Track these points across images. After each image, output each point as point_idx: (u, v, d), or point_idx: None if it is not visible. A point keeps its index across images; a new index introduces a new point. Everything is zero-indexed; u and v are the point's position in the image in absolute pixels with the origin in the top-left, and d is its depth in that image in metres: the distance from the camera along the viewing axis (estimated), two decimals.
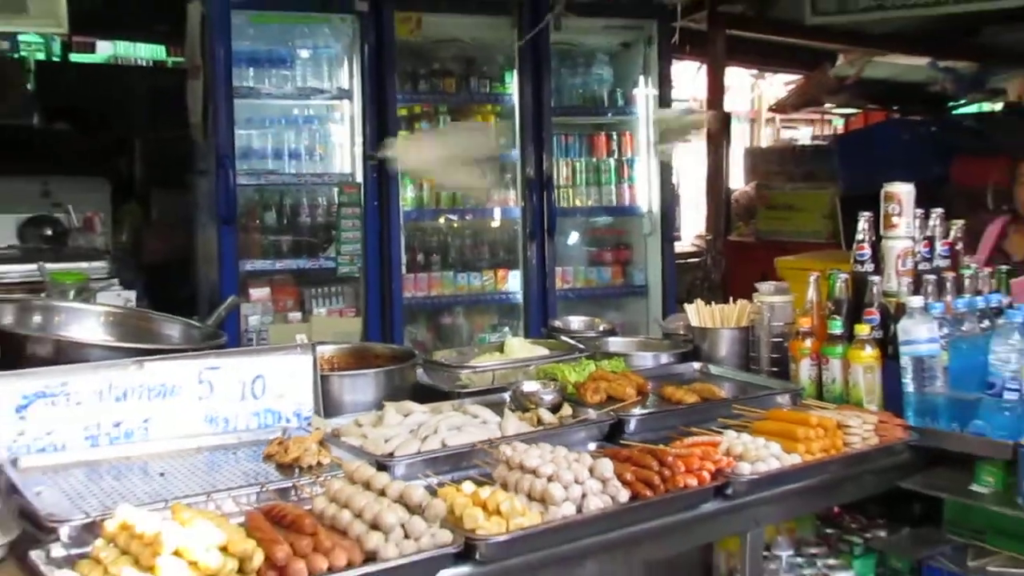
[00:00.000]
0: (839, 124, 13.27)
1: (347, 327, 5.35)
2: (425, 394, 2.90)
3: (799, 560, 2.74)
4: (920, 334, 2.78)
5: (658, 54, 6.03)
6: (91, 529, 1.91)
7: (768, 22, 7.58)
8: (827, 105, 11.24)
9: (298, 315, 5.45)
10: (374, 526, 1.90)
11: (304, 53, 5.47)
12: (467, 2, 5.53)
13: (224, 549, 1.76)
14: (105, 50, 9.06)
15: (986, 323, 2.91)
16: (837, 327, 2.96)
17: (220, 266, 5.14)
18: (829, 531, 2.95)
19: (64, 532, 1.91)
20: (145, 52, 9.10)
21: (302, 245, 5.53)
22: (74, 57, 8.30)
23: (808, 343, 3.03)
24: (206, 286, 5.49)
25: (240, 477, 2.26)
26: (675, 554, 2.53)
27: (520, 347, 3.29)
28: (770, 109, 12.22)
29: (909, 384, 2.78)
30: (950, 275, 3.04)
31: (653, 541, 2.26)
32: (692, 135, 5.16)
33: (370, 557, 1.86)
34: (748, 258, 7.24)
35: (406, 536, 1.90)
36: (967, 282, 3.05)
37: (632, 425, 2.65)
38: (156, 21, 6.69)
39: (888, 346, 2.90)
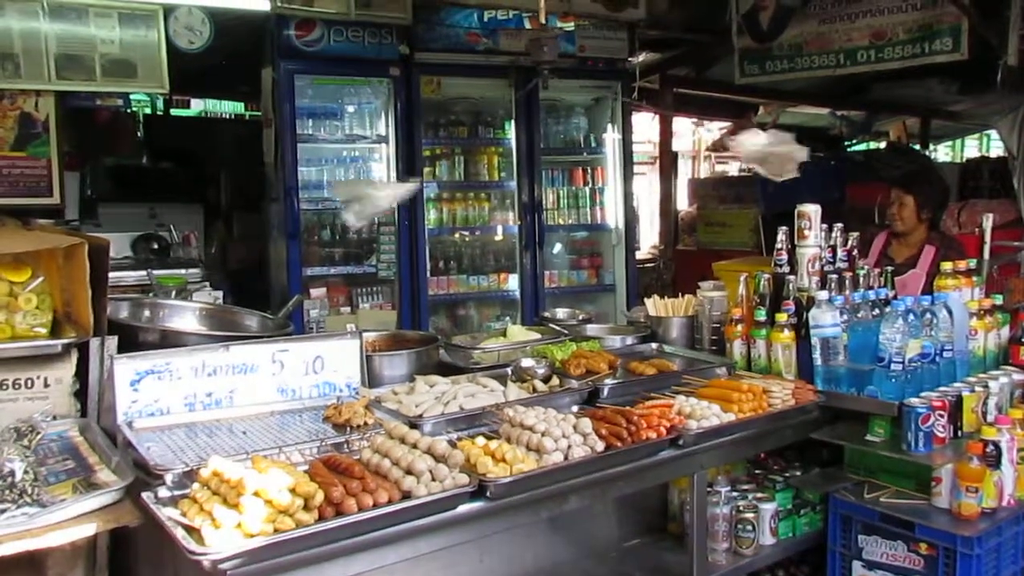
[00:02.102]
0: None
1: (386, 318, 5.33)
2: (446, 369, 2.89)
3: (734, 494, 2.73)
4: (826, 320, 2.77)
5: (622, 107, 6.01)
6: (189, 476, 1.90)
7: (706, 81, 7.56)
8: None
9: (348, 309, 5.43)
10: (408, 471, 1.89)
11: (351, 108, 5.44)
12: (476, 68, 5.51)
13: (293, 490, 1.75)
14: (198, 106, 9.04)
15: (876, 311, 2.90)
16: (762, 315, 2.95)
17: (287, 271, 5.12)
18: (757, 472, 2.94)
19: (168, 478, 1.90)
20: (229, 107, 9.08)
21: (351, 255, 5.50)
22: (174, 111, 8.27)
23: (740, 328, 3.03)
24: (277, 287, 5.47)
25: (304, 434, 2.25)
26: (639, 491, 2.52)
27: (519, 332, 3.28)
28: (708, 148, 12.19)
29: (818, 359, 2.78)
30: (848, 275, 3.03)
31: (623, 481, 2.25)
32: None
33: (406, 495, 1.85)
34: (692, 263, 7.22)
35: (433, 479, 1.89)
36: (861, 280, 3.04)
37: (605, 392, 2.64)
38: (238, 83, 6.66)
39: (802, 329, 2.89)
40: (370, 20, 4.99)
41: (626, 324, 3.82)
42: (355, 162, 5.54)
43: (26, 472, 1.85)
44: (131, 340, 2.53)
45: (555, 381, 2.70)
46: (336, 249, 5.47)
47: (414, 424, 2.25)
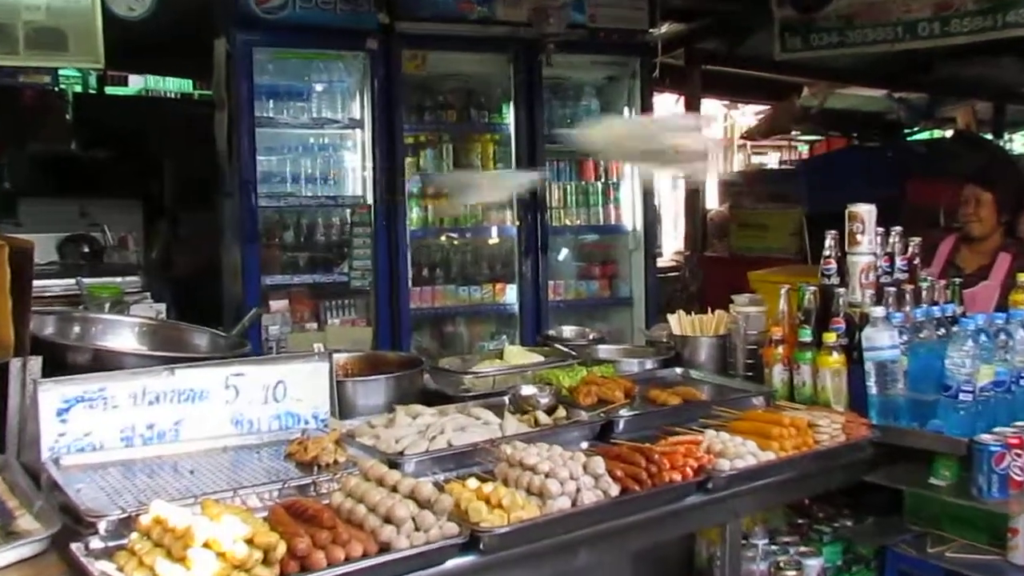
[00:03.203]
0: (804, 150, 13.31)
1: (359, 336, 5.33)
2: (432, 398, 2.89)
3: (773, 548, 2.73)
4: (882, 341, 2.78)
5: (641, 87, 6.03)
6: (127, 523, 1.90)
7: (739, 58, 7.60)
8: (793, 133, 11.29)
9: (314, 325, 5.43)
10: (387, 519, 1.89)
11: (319, 87, 5.47)
12: (468, 41, 5.53)
13: (250, 541, 1.75)
14: (137, 84, 9.06)
15: (942, 331, 2.91)
16: (807, 335, 2.96)
17: (243, 280, 5.12)
18: (801, 521, 2.94)
19: (102, 526, 1.90)
20: (174, 85, 9.10)
21: (318, 261, 5.51)
22: (109, 90, 8.29)
23: (780, 349, 3.03)
24: (230, 299, 5.47)
25: (263, 475, 2.25)
26: (661, 543, 2.52)
27: (517, 354, 3.29)
28: (741, 137, 12.24)
29: (873, 386, 2.78)
30: (909, 287, 3.04)
31: (641, 532, 2.25)
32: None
33: (384, 548, 1.85)
34: (723, 272, 7.22)
35: (416, 528, 1.89)
36: (924, 293, 3.05)
37: (621, 425, 2.64)
38: (185, 57, 6.68)
39: (853, 352, 2.89)
40: None
41: (645, 345, 3.82)
42: (324, 150, 5.56)
43: None
44: (58, 361, 2.52)
45: (561, 412, 2.70)
46: (301, 254, 5.48)
47: (394, 463, 2.25)
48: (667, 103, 9.32)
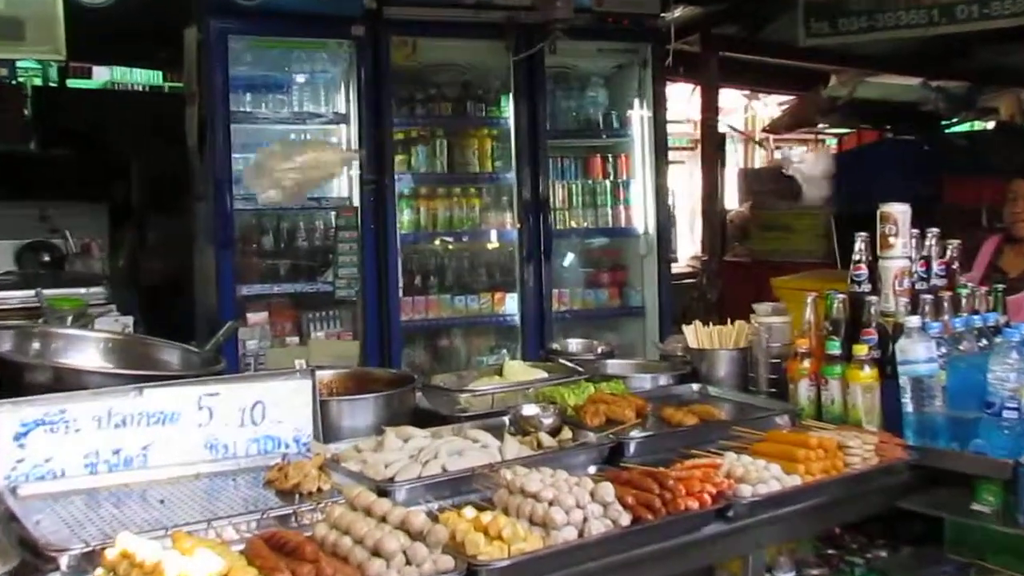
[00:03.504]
0: (832, 144, 13.30)
1: (345, 351, 5.33)
2: (424, 418, 2.89)
3: None
4: (918, 353, 2.78)
5: (652, 76, 6.06)
6: (91, 558, 1.90)
7: (761, 44, 7.63)
8: (820, 125, 11.30)
9: (296, 339, 5.44)
10: (376, 553, 1.89)
11: (300, 78, 5.49)
12: (462, 27, 5.55)
13: None
14: (102, 76, 9.09)
15: (984, 342, 2.91)
16: (835, 347, 2.96)
17: (218, 290, 5.13)
18: (831, 552, 2.93)
19: (64, 561, 1.90)
20: (141, 78, 9.13)
21: (299, 269, 5.52)
22: (72, 83, 8.32)
23: (806, 364, 3.03)
24: (204, 311, 5.48)
25: (240, 504, 2.25)
26: None
27: (519, 370, 3.29)
28: (763, 130, 12.25)
29: (908, 404, 2.78)
30: (947, 294, 3.05)
31: (655, 565, 2.24)
32: None
33: None
34: (744, 278, 7.26)
35: (408, 562, 1.89)
36: (964, 301, 3.05)
37: (632, 448, 2.64)
38: (154, 47, 6.70)
39: (886, 366, 2.89)
40: None
41: (659, 359, 3.83)
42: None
43: None
44: (15, 380, 2.53)
45: (566, 434, 2.70)
46: (281, 261, 5.49)
47: (383, 491, 2.25)
48: (682, 93, 9.36)
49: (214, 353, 3.18)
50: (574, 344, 3.92)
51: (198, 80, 5.26)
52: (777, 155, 13.15)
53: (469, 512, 2.12)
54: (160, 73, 8.65)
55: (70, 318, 3.83)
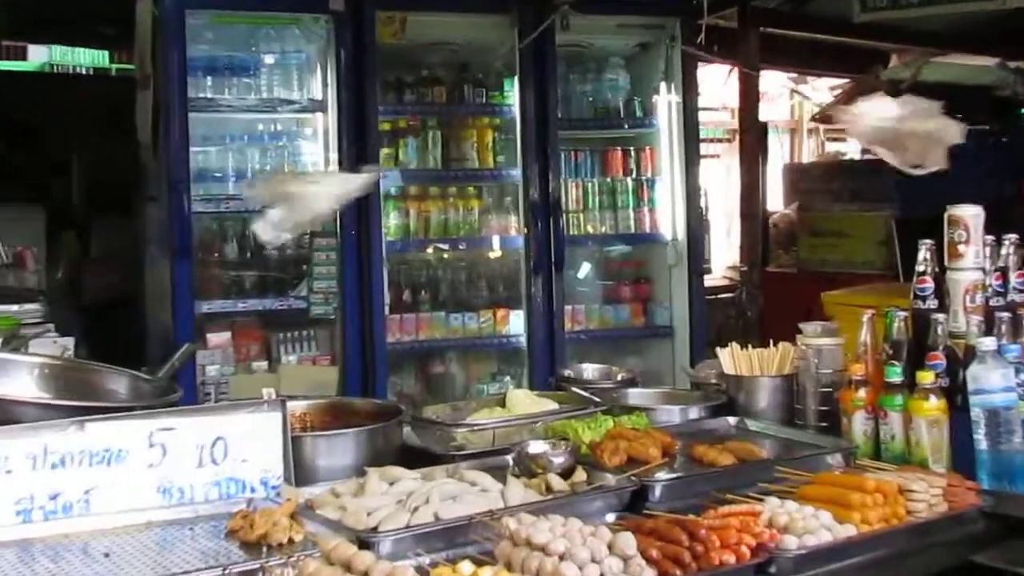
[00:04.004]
0: None
1: (321, 378, 5.34)
2: (414, 457, 2.89)
3: None
4: (994, 382, 2.78)
5: (682, 56, 6.08)
6: None
7: (809, 19, 7.65)
8: None
9: (264, 364, 5.45)
10: None
11: (270, 59, 5.52)
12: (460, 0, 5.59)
13: None
14: (38, 56, 9.14)
15: None
16: (896, 374, 2.95)
17: (173, 307, 5.15)
18: None
19: None
20: (85, 59, 9.19)
21: (268, 282, 5.55)
22: (2, 65, 8.36)
23: (862, 393, 3.03)
24: (156, 331, 5.49)
25: (198, 558, 2.25)
26: None
27: (524, 400, 3.29)
28: (813, 119, 12.27)
29: (982, 440, 2.78)
30: None
31: None
32: None
33: None
34: (790, 293, 7.22)
35: None
36: None
37: (657, 492, 2.64)
38: (99, 23, 6.74)
39: (956, 396, 2.89)
40: None
41: (689, 388, 3.83)
42: (276, 139, 5.61)
43: None
44: None
45: (580, 475, 2.70)
46: (247, 273, 5.52)
47: (365, 542, 2.26)
48: (716, 77, 9.39)
49: (168, 381, 3.19)
50: (590, 370, 3.93)
51: (151, 61, 5.29)
52: (829, 148, 13.18)
53: (466, 567, 2.12)
54: (106, 53, 8.72)
55: (0, 339, 3.84)
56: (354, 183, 3.69)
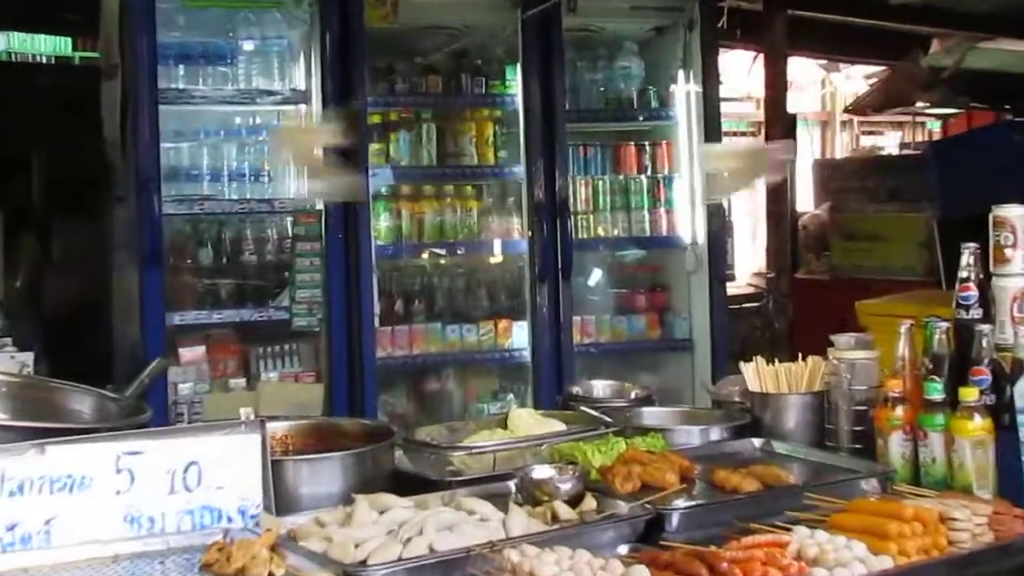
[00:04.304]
0: (935, 128, 13.33)
1: (305, 396, 5.35)
2: (406, 484, 2.89)
3: None
4: None
5: (702, 41, 6.09)
6: None
7: (842, 0, 7.65)
8: (919, 104, 11.31)
9: (242, 381, 5.46)
10: None
11: (248, 46, 5.53)
12: None
13: None
14: None
15: None
16: (937, 391, 2.95)
17: (142, 319, 5.15)
18: None
19: None
20: (46, 46, 9.20)
21: (246, 291, 5.55)
22: None
23: (900, 412, 3.03)
24: (124, 345, 5.49)
25: None
26: None
27: (528, 421, 3.29)
28: (846, 110, 12.29)
29: None
30: None
31: None
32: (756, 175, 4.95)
33: None
34: (820, 302, 7.23)
35: None
36: None
37: (675, 521, 2.64)
38: (62, 9, 6.76)
39: (1003, 414, 2.89)
40: None
41: (710, 407, 3.83)
42: (255, 134, 5.63)
43: None
44: None
45: (590, 503, 2.70)
46: (223, 281, 5.53)
47: None
48: (740, 64, 9.40)
49: (136, 400, 3.20)
50: (601, 387, 3.93)
51: (119, 49, 5.30)
52: (864, 142, 13.20)
53: None
54: (69, 40, 8.73)
55: None
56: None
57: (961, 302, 3.09)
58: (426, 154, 5.85)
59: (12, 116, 6.87)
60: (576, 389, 3.96)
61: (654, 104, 6.25)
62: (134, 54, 5.13)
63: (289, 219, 5.53)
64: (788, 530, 2.56)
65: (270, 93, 5.51)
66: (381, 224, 5.68)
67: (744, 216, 10.59)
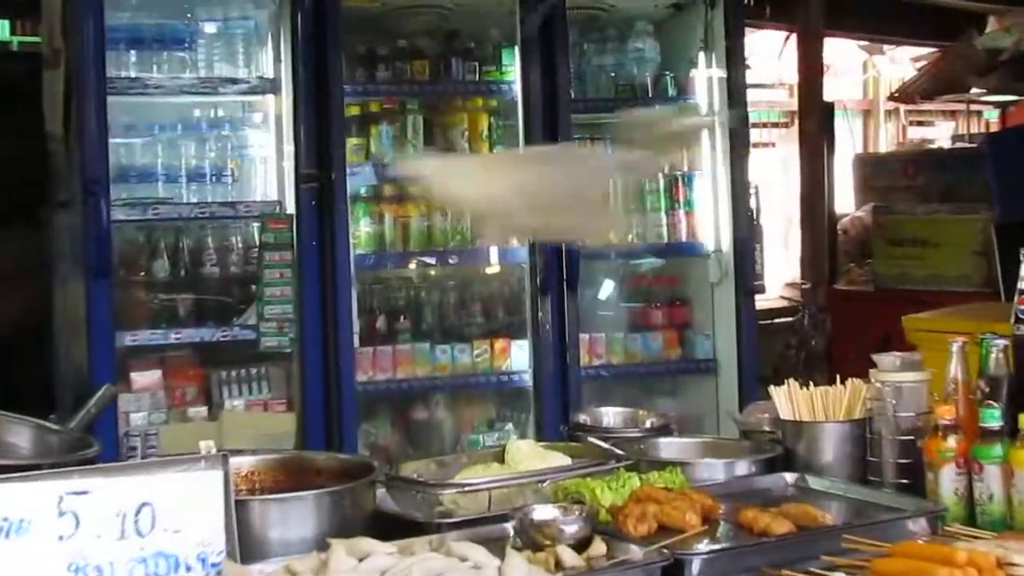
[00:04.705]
0: (992, 118, 13.34)
1: (274, 427, 5.35)
2: (389, 526, 2.90)
3: None
4: None
5: (726, 21, 6.10)
6: None
7: None
8: (974, 91, 11.33)
9: (203, 410, 5.45)
10: None
11: (210, 28, 5.55)
12: None
13: None
14: None
15: None
16: (994, 418, 2.96)
17: (89, 339, 5.14)
18: None
19: None
20: None
21: (208, 307, 5.56)
22: None
23: (952, 442, 3.03)
24: (68, 369, 5.49)
25: None
26: None
27: (529, 454, 3.29)
28: (891, 98, 12.29)
29: None
30: None
31: None
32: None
33: None
34: (863, 316, 7.25)
35: None
36: None
37: (696, 567, 2.64)
38: None
39: None
40: None
41: (737, 437, 3.84)
42: (217, 128, 5.63)
43: None
44: None
45: (599, 548, 2.70)
46: (181, 296, 5.53)
47: None
48: (769, 45, 9.41)
49: (82, 432, 3.20)
50: (611, 415, 3.93)
51: (62, 33, 5.31)
52: (912, 135, 13.20)
53: None
54: (6, 23, 8.73)
55: None
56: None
57: (1020, 316, 3.10)
58: (412, 150, 5.84)
59: None
60: (583, 418, 3.96)
61: (671, 92, 6.26)
62: (79, 38, 5.13)
63: (256, 225, 5.53)
64: None
65: (234, 81, 5.53)
66: (361, 230, 5.69)
67: (775, 219, 10.59)
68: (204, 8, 5.54)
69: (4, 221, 6.62)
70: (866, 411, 3.36)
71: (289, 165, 5.49)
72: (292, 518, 2.81)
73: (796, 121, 8.85)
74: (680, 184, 6.23)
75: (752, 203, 6.33)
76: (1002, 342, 3.06)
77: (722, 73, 6.14)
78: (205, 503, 2.64)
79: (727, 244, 6.15)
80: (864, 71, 12.66)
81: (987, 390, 3.02)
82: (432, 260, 5.96)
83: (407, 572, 2.50)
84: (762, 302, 7.05)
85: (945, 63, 9.96)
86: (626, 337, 6.17)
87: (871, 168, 9.99)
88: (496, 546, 2.69)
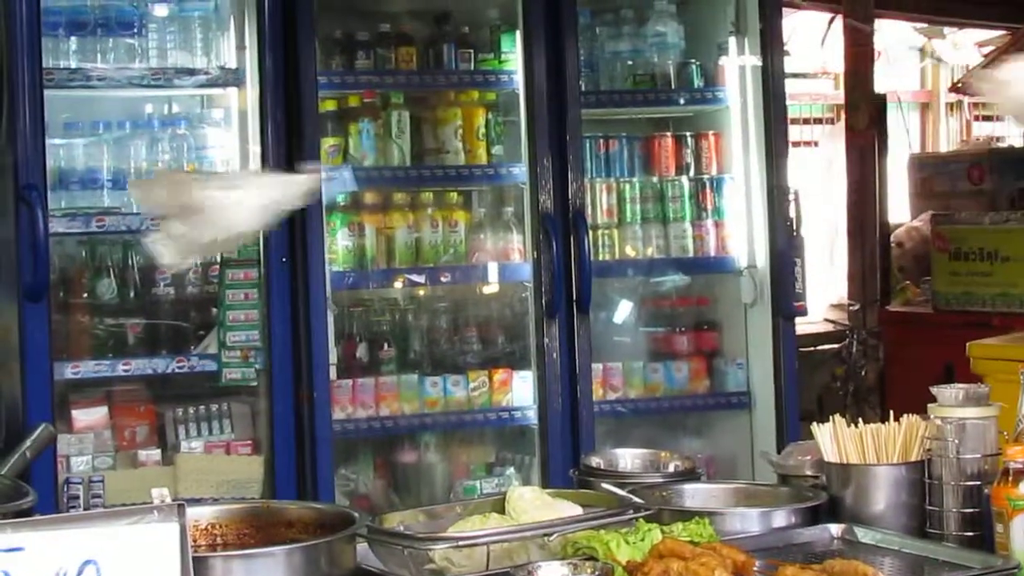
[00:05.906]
0: None
1: (239, 472, 5.35)
2: None
3: None
4: None
5: (760, 3, 6.13)
6: None
7: None
8: None
9: (156, 453, 5.44)
10: None
11: (162, 11, 5.57)
12: None
13: None
14: None
15: None
16: None
17: (23, 372, 5.15)
18: None
19: None
20: None
21: (161, 334, 5.56)
22: None
23: None
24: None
25: None
26: None
27: (534, 502, 3.30)
28: (953, 89, 12.32)
29: None
30: None
31: None
32: None
33: None
34: (920, 342, 7.26)
35: None
36: None
37: None
38: None
39: None
40: None
41: (775, 483, 3.84)
42: (171, 126, 5.64)
43: None
44: None
45: None
46: (130, 321, 5.53)
47: None
48: (809, 31, 9.43)
49: (15, 480, 3.21)
50: (628, 458, 3.94)
51: None
52: (978, 130, 13.20)
53: None
54: None
55: None
56: (291, 188, 3.69)
57: None
58: (397, 151, 5.86)
59: None
60: (596, 460, 3.97)
61: (698, 82, 6.29)
62: (10, 23, 5.13)
63: None
64: None
65: (191, 72, 5.53)
66: (338, 244, 5.70)
67: (819, 229, 10.60)
68: None
69: None
70: (924, 452, 3.36)
71: (255, 169, 5.48)
72: None
73: (842, 116, 8.86)
74: (708, 189, 6.25)
75: (791, 211, 6.35)
76: None
77: (756, 61, 6.16)
78: (158, 561, 2.64)
79: (762, 259, 6.17)
80: (921, 58, 12.68)
81: None
82: (421, 278, 5.95)
83: None
84: (803, 326, 7.06)
85: (1016, 48, 9.98)
86: (646, 367, 6.18)
87: (930, 171, 9.99)
88: None
